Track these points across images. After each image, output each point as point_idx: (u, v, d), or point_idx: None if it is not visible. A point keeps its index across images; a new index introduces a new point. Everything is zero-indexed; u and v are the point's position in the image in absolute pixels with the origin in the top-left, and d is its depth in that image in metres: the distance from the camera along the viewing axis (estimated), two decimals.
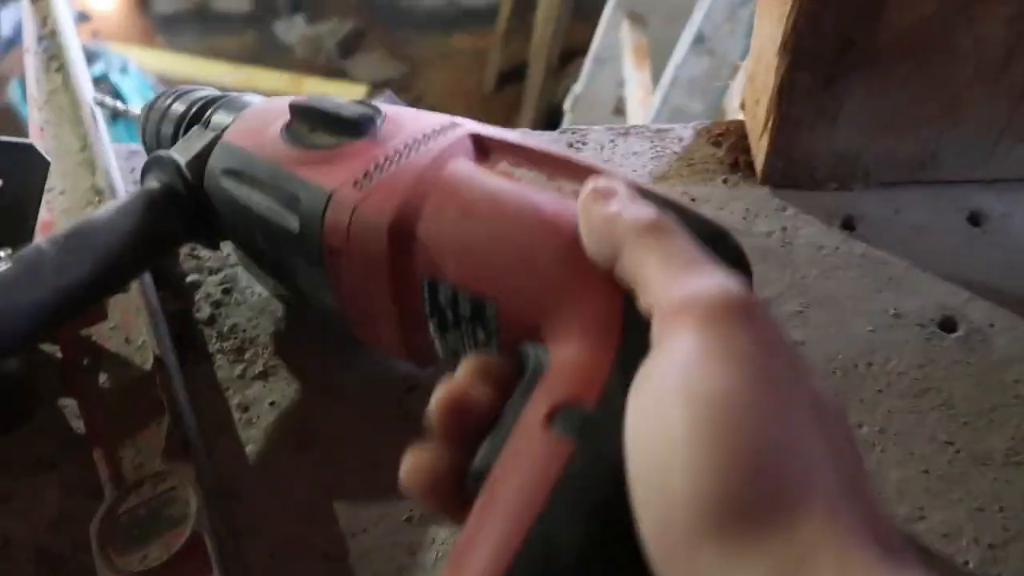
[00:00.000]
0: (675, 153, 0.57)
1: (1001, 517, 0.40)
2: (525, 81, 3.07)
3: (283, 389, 0.44)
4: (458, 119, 0.37)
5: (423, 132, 0.35)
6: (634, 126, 0.60)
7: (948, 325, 0.47)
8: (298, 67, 3.32)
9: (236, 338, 0.46)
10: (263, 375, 0.45)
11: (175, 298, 0.47)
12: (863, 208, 0.53)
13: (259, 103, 0.42)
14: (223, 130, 0.40)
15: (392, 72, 3.45)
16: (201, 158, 0.40)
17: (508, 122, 3.15)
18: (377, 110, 0.37)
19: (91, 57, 2.10)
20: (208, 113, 0.42)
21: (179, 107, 0.44)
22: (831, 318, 0.48)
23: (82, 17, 2.61)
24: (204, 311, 0.47)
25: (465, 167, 0.34)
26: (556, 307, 0.28)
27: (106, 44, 2.51)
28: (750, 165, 0.55)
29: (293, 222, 0.35)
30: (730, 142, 0.57)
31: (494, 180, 0.33)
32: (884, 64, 0.47)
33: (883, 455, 0.42)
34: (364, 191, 0.33)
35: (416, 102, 3.42)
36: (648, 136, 0.58)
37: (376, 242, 0.32)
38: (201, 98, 0.44)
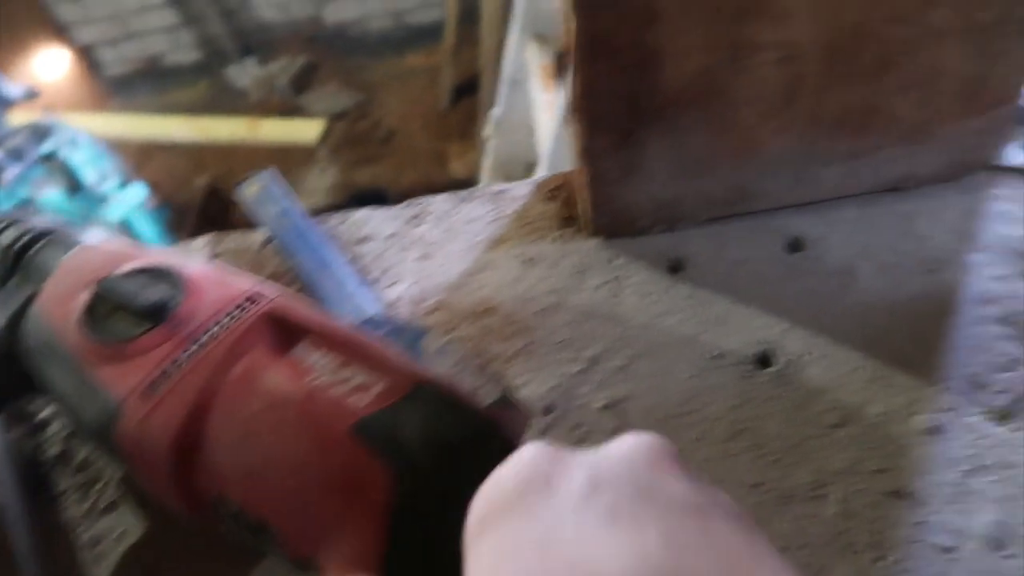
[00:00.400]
0: (512, 213, 0.59)
1: (806, 554, 0.41)
2: (479, 94, 3.08)
3: (129, 520, 0.46)
4: (263, 288, 0.38)
5: (222, 311, 0.37)
6: (475, 189, 0.61)
7: (765, 360, 0.49)
8: (253, 110, 3.35)
9: (86, 472, 0.48)
10: (111, 507, 0.46)
11: (29, 436, 0.50)
12: (689, 248, 0.54)
13: (77, 253, 0.42)
14: (38, 289, 0.41)
15: (348, 101, 3.47)
16: (13, 324, 0.41)
17: (466, 136, 3.17)
18: (176, 289, 0.37)
19: (41, 134, 2.13)
20: (36, 249, 0.43)
21: (7, 237, 0.44)
22: (656, 368, 0.49)
23: (31, 95, 2.65)
24: (55, 448, 0.49)
25: (255, 367, 0.35)
26: (326, 540, 0.31)
27: (59, 117, 2.54)
28: (581, 218, 0.57)
29: (90, 419, 0.36)
30: (563, 197, 0.59)
31: (281, 385, 0.34)
32: (672, 116, 0.48)
33: None
34: (151, 402, 0.34)
35: (375, 128, 3.45)
36: (487, 199, 0.60)
37: (162, 458, 0.34)
38: (29, 231, 0.44)
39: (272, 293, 0.38)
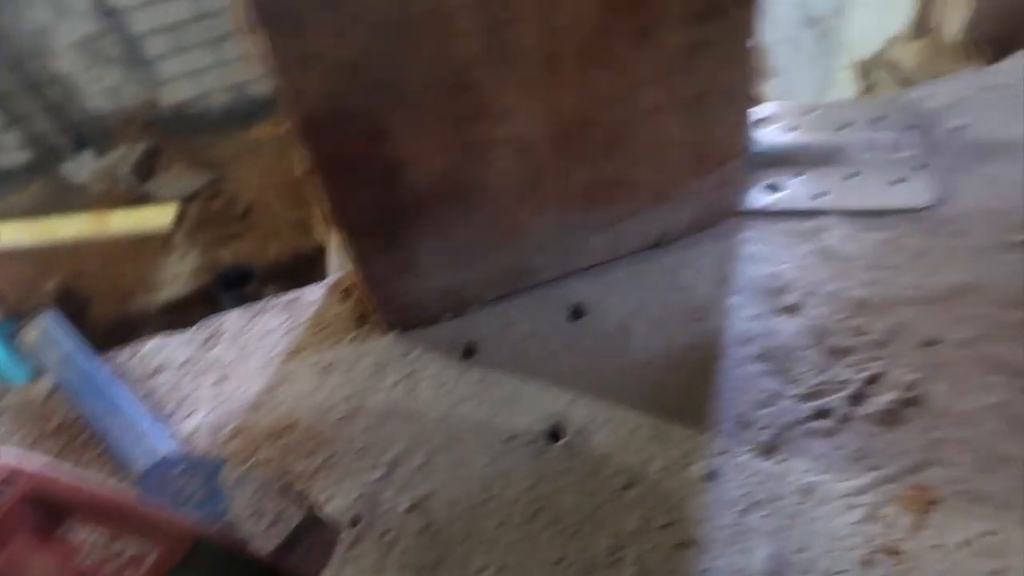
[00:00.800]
0: (307, 319, 0.59)
1: None
2: None
3: None
4: (21, 463, 0.36)
5: None
6: (268, 301, 0.61)
7: (555, 433, 0.51)
8: (97, 203, 3.21)
9: None
10: None
11: None
12: (480, 330, 0.56)
13: None
14: None
15: (198, 181, 3.37)
16: None
17: None
18: None
19: None
20: None
21: None
22: (454, 460, 0.50)
23: None
24: None
25: (18, 557, 0.33)
26: None
27: None
28: (375, 315, 0.58)
29: None
30: (356, 296, 0.59)
31: (49, 573, 0.33)
32: (431, 213, 0.50)
33: None
34: None
35: (230, 204, 3.37)
36: (281, 308, 0.60)
37: None
38: None
39: (32, 467, 0.37)
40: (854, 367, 0.51)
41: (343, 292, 0.60)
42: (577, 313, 0.56)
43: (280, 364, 0.56)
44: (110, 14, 3.23)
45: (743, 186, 0.58)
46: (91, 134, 3.43)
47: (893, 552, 0.43)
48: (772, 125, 0.67)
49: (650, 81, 0.48)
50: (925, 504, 0.45)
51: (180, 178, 3.33)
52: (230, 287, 2.06)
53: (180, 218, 3.19)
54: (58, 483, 0.37)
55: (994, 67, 0.70)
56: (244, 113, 3.66)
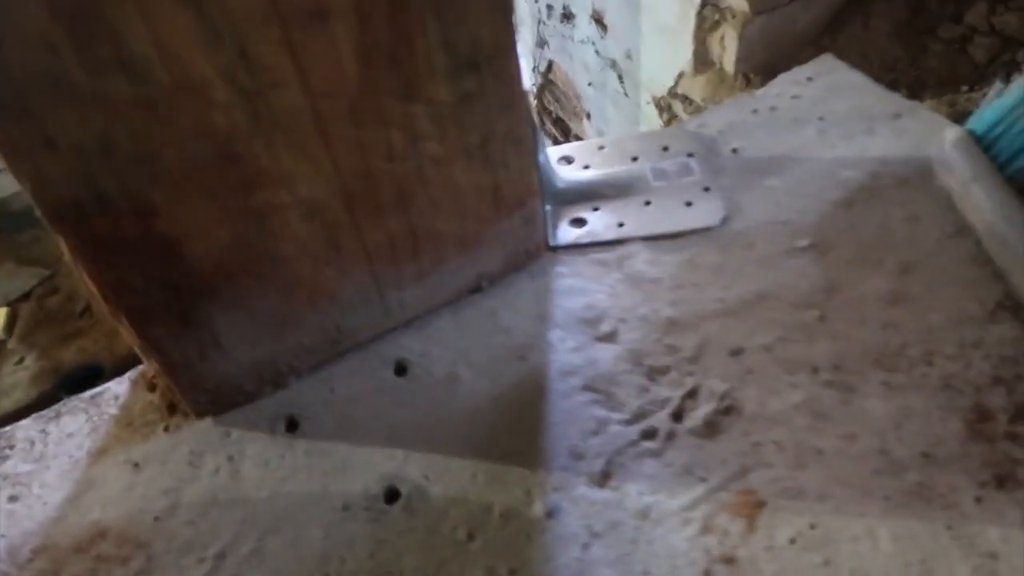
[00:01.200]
0: (113, 415, 0.54)
1: None
2: None
3: None
4: None
5: None
6: (65, 402, 0.56)
7: (391, 495, 0.49)
8: None
9: None
10: None
11: None
12: (303, 400, 0.54)
13: None
14: None
15: (31, 280, 3.09)
16: None
17: None
18: None
19: None
20: None
21: None
22: (287, 540, 0.47)
23: None
24: None
25: None
26: None
27: None
28: (181, 404, 0.54)
29: None
30: (164, 384, 0.55)
31: None
32: (224, 290, 0.48)
33: None
34: None
35: (69, 300, 3.11)
36: (82, 408, 0.55)
37: None
38: None
39: None
40: (672, 384, 0.53)
41: (150, 381, 0.56)
42: (401, 369, 0.55)
43: (84, 468, 0.51)
44: None
45: (548, 223, 0.59)
46: None
47: (729, 560, 0.45)
48: (569, 164, 0.70)
49: (427, 135, 0.48)
50: (752, 508, 0.47)
51: (9, 279, 3.04)
52: (77, 389, 1.88)
53: (11, 322, 2.91)
54: None
55: (759, 92, 0.76)
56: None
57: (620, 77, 1.29)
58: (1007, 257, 0.56)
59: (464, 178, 0.50)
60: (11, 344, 3.11)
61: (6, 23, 0.34)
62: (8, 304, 3.19)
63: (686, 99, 1.17)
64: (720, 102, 0.82)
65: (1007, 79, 0.92)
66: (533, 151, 0.54)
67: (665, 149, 0.71)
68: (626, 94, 1.29)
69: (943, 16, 1.10)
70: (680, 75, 1.15)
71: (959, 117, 0.83)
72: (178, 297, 0.47)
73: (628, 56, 1.25)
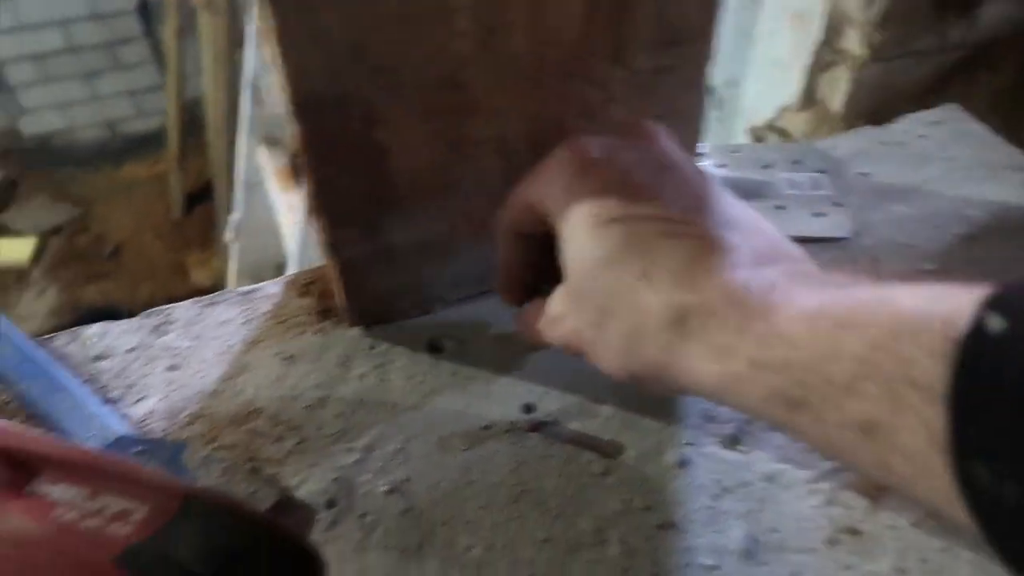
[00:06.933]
0: (266, 312, 0.57)
1: None
2: (213, 200, 2.97)
3: None
4: None
5: None
6: (221, 293, 0.59)
7: (531, 424, 0.51)
8: None
9: None
10: None
11: None
12: (448, 327, 0.57)
13: None
14: None
15: (62, 216, 3.17)
16: None
17: (206, 244, 3.01)
18: None
19: None
20: None
21: None
22: (431, 446, 0.50)
23: None
24: None
25: None
26: None
27: None
28: (338, 310, 0.57)
29: None
30: (318, 291, 0.58)
31: (22, 526, 0.30)
32: (410, 207, 0.51)
33: (494, 571, 0.44)
34: None
35: (97, 242, 3.17)
36: (236, 301, 0.58)
37: None
38: None
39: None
40: None
41: (303, 288, 0.59)
42: None
43: (239, 354, 0.54)
44: None
45: None
46: None
47: (854, 532, 0.47)
48: (706, 160, 0.73)
49: (619, 99, 0.51)
50: (876, 490, 0.49)
51: (41, 211, 3.11)
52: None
53: (39, 253, 2.97)
54: (24, 439, 0.34)
55: (886, 127, 0.79)
56: (116, 151, 3.50)
57: (719, 103, 1.33)
58: None
59: None
60: (34, 275, 3.16)
61: None
62: (38, 235, 3.25)
63: (783, 133, 1.21)
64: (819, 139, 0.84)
65: None
66: (699, 133, 0.57)
67: (796, 162, 0.74)
68: (723, 120, 1.33)
69: None
70: (783, 109, 1.18)
71: None
72: (371, 206, 0.50)
73: (729, 84, 1.29)
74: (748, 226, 0.37)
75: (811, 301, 0.30)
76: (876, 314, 0.27)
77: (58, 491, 0.32)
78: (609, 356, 0.36)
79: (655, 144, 0.41)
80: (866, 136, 0.79)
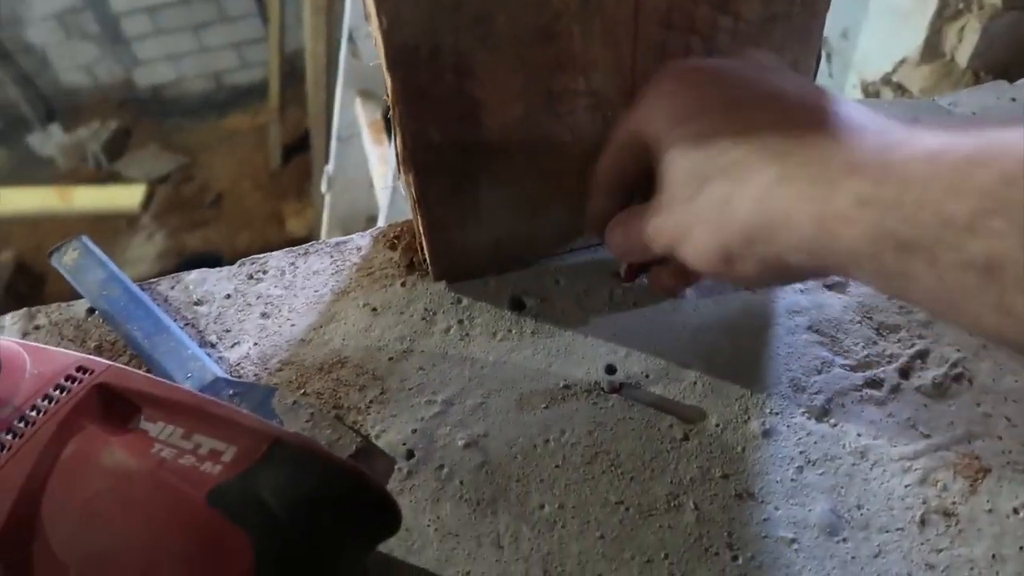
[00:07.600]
0: (354, 264, 0.58)
1: (667, 564, 0.43)
2: (310, 151, 3.04)
3: None
4: (87, 360, 0.36)
5: (45, 388, 0.34)
6: (313, 244, 0.60)
7: (612, 386, 0.51)
8: (63, 178, 3.12)
9: None
10: None
11: None
12: (531, 286, 0.56)
13: None
14: None
15: (170, 165, 3.31)
16: None
17: (301, 194, 3.10)
18: None
19: None
20: None
21: None
22: (510, 402, 0.50)
23: None
24: None
25: (90, 444, 0.33)
26: None
27: None
28: (424, 264, 0.57)
29: None
30: (405, 243, 0.59)
31: (124, 461, 0.32)
32: (500, 162, 0.50)
33: (564, 530, 0.45)
34: None
35: (202, 191, 3.31)
36: (328, 252, 0.59)
37: None
38: None
39: (99, 366, 0.36)
40: (902, 343, 0.53)
41: (391, 241, 0.60)
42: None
43: (328, 303, 0.56)
44: None
45: None
46: (61, 108, 3.35)
47: (948, 514, 0.45)
48: None
49: (724, 51, 0.49)
50: (976, 471, 0.46)
51: (151, 159, 3.27)
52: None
53: (148, 200, 3.13)
54: (128, 379, 0.36)
55: (1018, 84, 0.73)
56: (221, 102, 3.62)
57: (828, 56, 1.25)
58: None
59: None
60: (144, 220, 3.32)
61: None
62: (148, 183, 3.40)
63: (900, 88, 1.13)
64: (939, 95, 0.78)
65: None
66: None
67: (915, 119, 0.69)
68: (831, 75, 1.25)
69: None
70: (901, 62, 1.11)
71: None
72: (462, 160, 0.49)
73: (844, 35, 1.21)
74: (860, 107, 0.35)
75: (934, 141, 0.28)
76: (1008, 149, 0.25)
77: (157, 428, 0.34)
78: (702, 234, 0.34)
79: (756, 54, 0.42)
80: (994, 91, 0.73)
